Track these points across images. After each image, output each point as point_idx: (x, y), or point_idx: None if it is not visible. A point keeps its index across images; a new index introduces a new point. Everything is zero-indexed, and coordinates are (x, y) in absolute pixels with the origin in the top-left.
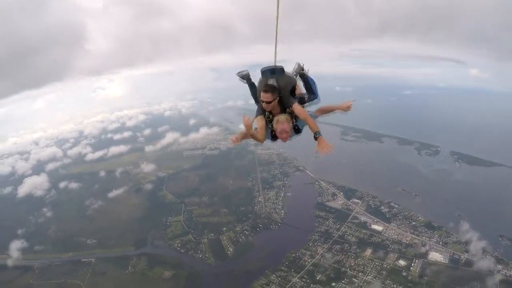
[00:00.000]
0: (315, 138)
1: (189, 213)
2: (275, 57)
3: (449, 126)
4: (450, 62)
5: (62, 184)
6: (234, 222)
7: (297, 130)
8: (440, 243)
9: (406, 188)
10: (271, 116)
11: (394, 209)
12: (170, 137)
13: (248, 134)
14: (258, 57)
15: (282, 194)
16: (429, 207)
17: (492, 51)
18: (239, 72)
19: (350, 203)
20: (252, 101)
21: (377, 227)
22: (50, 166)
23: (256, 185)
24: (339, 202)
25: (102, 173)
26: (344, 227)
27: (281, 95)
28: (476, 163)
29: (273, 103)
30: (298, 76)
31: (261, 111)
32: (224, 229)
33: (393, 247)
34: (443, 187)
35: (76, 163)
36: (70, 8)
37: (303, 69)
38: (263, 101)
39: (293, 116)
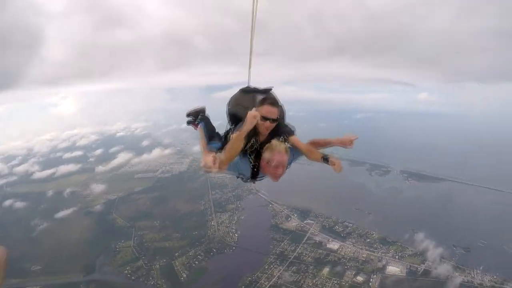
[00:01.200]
0: (326, 161)
1: (139, 238)
2: (249, 77)
3: (398, 147)
4: (400, 85)
5: (6, 203)
6: (187, 247)
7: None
8: (397, 257)
9: (359, 207)
10: (256, 143)
11: (349, 228)
12: (122, 157)
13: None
14: (214, 79)
15: (235, 217)
16: (383, 223)
17: (439, 74)
18: (193, 110)
19: (305, 224)
20: (218, 121)
21: (333, 246)
22: None
23: (209, 208)
24: (293, 224)
25: (50, 193)
26: (300, 248)
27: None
28: (425, 179)
29: (274, 125)
30: None
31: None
32: (177, 254)
33: (350, 264)
34: (395, 204)
35: (22, 181)
36: (29, 7)
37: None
38: (265, 119)
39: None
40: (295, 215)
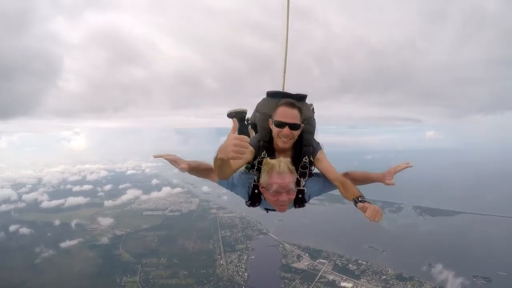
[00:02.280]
0: (358, 203)
1: (146, 274)
2: (284, 81)
3: (410, 184)
4: (407, 121)
5: (12, 228)
6: (194, 285)
7: (299, 198)
8: None
9: (372, 245)
10: (265, 156)
11: (363, 266)
12: (131, 194)
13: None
14: (223, 122)
15: (245, 257)
16: (398, 260)
17: (443, 108)
18: (233, 111)
19: (317, 263)
20: None
21: (347, 285)
22: (3, 208)
23: (217, 247)
24: (305, 263)
25: (57, 222)
26: (313, 287)
27: (303, 130)
28: (439, 214)
29: (295, 134)
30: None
31: (257, 143)
32: None
33: None
34: (410, 240)
35: (30, 209)
36: (49, 37)
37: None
38: (280, 125)
39: (304, 174)
40: (307, 254)
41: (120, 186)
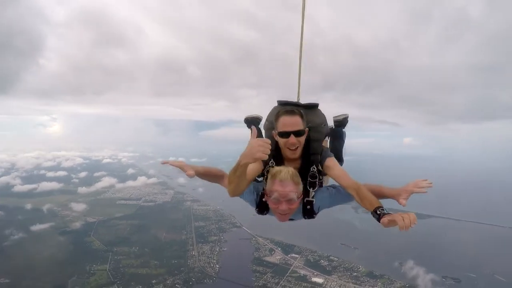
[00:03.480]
0: (379, 217)
1: (116, 262)
2: (299, 90)
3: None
4: (386, 125)
5: None
6: (165, 275)
7: (308, 210)
8: None
9: (344, 243)
10: (273, 165)
11: (334, 262)
12: (106, 181)
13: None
14: (203, 114)
15: (217, 249)
16: (370, 258)
17: (424, 114)
18: (249, 116)
19: (289, 258)
20: (195, 159)
21: (318, 280)
22: None
23: (190, 238)
24: (277, 257)
25: (28, 207)
26: (283, 281)
27: (310, 138)
28: None
29: (302, 140)
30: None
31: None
32: (154, 281)
33: None
34: (382, 240)
35: (2, 193)
36: (33, 13)
37: (344, 123)
38: (285, 132)
39: (313, 184)
40: (279, 249)
41: (95, 174)
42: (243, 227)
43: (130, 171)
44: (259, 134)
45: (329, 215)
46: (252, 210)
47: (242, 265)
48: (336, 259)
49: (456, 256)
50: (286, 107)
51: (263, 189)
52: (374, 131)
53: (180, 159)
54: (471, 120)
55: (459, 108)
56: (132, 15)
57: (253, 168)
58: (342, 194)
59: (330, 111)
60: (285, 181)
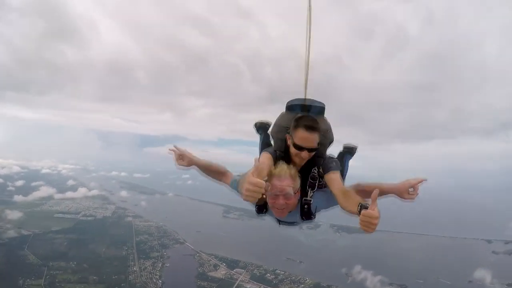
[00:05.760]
0: (359, 211)
1: (52, 277)
2: (306, 86)
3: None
4: None
5: None
6: None
7: (306, 210)
8: None
9: (290, 257)
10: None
11: (280, 275)
12: (44, 191)
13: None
14: (148, 128)
15: (160, 265)
16: (316, 270)
17: (363, 133)
18: (259, 122)
19: (234, 272)
20: (139, 174)
21: None
22: None
23: (131, 254)
24: (222, 272)
25: None
26: None
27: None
28: (355, 231)
29: (312, 154)
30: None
31: (274, 153)
32: None
33: None
34: (327, 253)
35: None
36: None
37: (353, 152)
38: (299, 148)
39: (312, 185)
40: (224, 264)
41: (33, 184)
42: (187, 243)
43: (70, 182)
44: (269, 139)
45: (272, 231)
46: (196, 226)
47: (186, 280)
48: (282, 272)
49: (400, 265)
50: (307, 119)
51: None
52: None
53: (123, 173)
54: (409, 139)
55: (399, 127)
56: (87, 7)
57: (268, 166)
58: (332, 197)
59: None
60: (283, 177)
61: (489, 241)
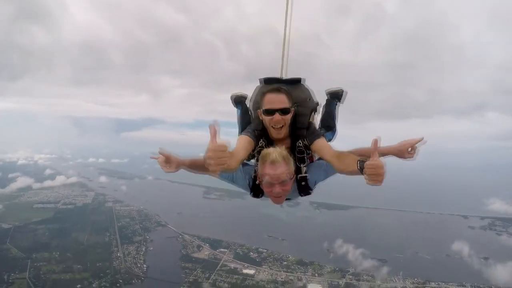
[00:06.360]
0: (362, 169)
1: (36, 270)
2: (282, 64)
3: None
4: None
5: None
6: (90, 279)
7: (304, 186)
8: (316, 275)
9: (272, 235)
10: (263, 145)
11: (263, 254)
12: (22, 181)
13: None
14: (125, 112)
15: (143, 249)
16: (298, 247)
17: (344, 113)
18: (234, 94)
19: (218, 253)
20: (117, 160)
21: (249, 271)
22: None
23: (114, 240)
24: (205, 253)
25: None
26: (214, 275)
27: (296, 113)
28: (334, 208)
29: (287, 119)
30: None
31: (253, 133)
32: (79, 286)
33: (269, 286)
34: (308, 230)
35: None
36: None
37: (339, 95)
38: (270, 110)
39: (302, 160)
40: (207, 245)
41: (10, 175)
42: (169, 226)
43: (48, 171)
44: (247, 113)
45: (253, 210)
46: (177, 208)
47: (170, 263)
48: (265, 250)
49: (380, 240)
50: (272, 85)
51: (255, 172)
52: None
53: (101, 159)
54: (387, 118)
55: (376, 106)
56: None
57: (244, 148)
58: (329, 166)
59: None
60: (276, 163)
61: (465, 217)
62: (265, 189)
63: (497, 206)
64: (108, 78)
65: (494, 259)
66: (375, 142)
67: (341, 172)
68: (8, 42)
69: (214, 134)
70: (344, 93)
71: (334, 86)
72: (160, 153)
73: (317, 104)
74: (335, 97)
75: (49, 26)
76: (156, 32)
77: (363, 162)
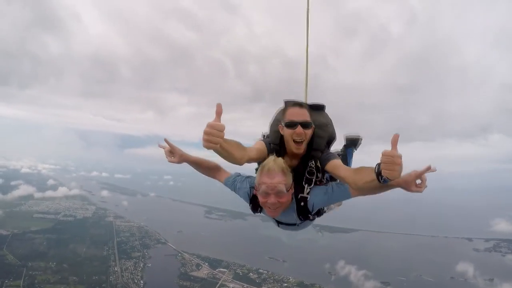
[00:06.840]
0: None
1: (31, 278)
2: (306, 90)
3: None
4: None
5: None
6: None
7: (302, 207)
8: None
9: (273, 256)
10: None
11: (263, 275)
12: (24, 189)
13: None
14: (130, 127)
15: (141, 265)
16: (299, 269)
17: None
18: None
19: (217, 272)
20: (120, 175)
21: None
22: None
23: (112, 254)
24: (204, 272)
25: None
26: None
27: (314, 135)
28: (336, 231)
29: (308, 134)
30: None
31: (268, 145)
32: None
33: None
34: (309, 252)
35: None
36: None
37: (356, 143)
38: (292, 123)
39: (309, 181)
40: (206, 264)
41: (12, 183)
42: (168, 243)
43: (51, 182)
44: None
45: (254, 231)
46: (177, 226)
47: (168, 280)
48: (265, 272)
49: (383, 263)
50: (294, 100)
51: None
52: None
53: (104, 174)
54: (390, 141)
55: (380, 128)
56: None
57: (257, 149)
58: (338, 192)
59: (258, 122)
60: (272, 172)
61: (469, 239)
62: (261, 199)
63: (502, 227)
64: (116, 92)
65: (500, 279)
66: (396, 136)
67: (357, 186)
68: (21, 49)
69: (219, 112)
70: (360, 140)
71: (353, 133)
72: (166, 142)
73: (335, 135)
74: (352, 144)
75: (62, 36)
76: (167, 48)
77: (379, 170)
